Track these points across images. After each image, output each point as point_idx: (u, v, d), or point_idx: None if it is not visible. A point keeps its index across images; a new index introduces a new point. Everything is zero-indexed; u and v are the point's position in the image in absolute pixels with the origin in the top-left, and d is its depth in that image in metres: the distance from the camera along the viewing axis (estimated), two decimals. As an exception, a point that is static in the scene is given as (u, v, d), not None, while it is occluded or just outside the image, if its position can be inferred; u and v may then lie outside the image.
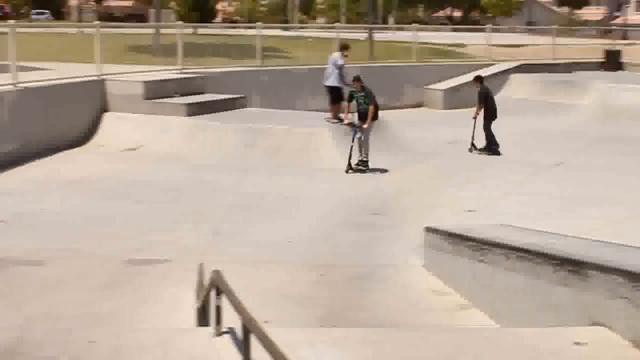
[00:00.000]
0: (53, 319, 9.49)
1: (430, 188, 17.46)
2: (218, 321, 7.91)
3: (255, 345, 6.57)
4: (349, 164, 18.76)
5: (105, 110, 22.17)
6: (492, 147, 22.15)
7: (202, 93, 24.00)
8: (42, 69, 22.84)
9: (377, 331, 8.80)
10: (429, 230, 11.69)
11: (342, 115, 21.77)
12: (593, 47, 39.78)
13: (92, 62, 23.10)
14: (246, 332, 6.65)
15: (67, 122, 21.02)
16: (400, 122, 24.02)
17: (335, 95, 21.91)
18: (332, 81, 21.90)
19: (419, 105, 30.71)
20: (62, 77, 21.88)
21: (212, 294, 8.01)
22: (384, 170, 19.25)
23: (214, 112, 22.56)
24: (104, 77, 22.65)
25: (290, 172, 18.62)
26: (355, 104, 19.56)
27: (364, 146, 19.18)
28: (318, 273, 11.74)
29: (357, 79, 19.33)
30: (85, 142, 21.24)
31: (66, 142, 20.67)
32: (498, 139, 21.92)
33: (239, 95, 24.14)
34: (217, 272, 7.90)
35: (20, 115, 19.40)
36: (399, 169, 19.21)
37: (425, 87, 31.42)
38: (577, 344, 7.84)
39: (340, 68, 21.69)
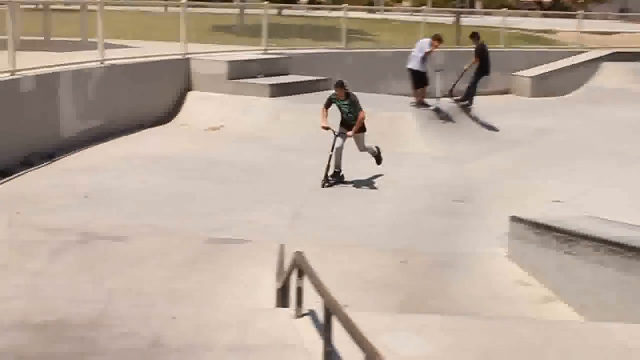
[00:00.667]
0: (135, 294, 9.64)
1: (516, 177, 17.31)
2: (299, 303, 7.97)
3: (335, 328, 6.64)
4: (326, 177, 16.44)
5: (189, 89, 22.36)
6: (468, 98, 23.53)
7: (286, 74, 24.03)
8: (128, 47, 23.10)
9: (458, 319, 8.79)
10: (514, 219, 11.60)
11: (427, 100, 21.74)
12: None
13: (177, 41, 23.28)
14: (328, 314, 6.68)
15: (152, 99, 21.26)
16: (486, 109, 23.82)
17: (417, 79, 21.86)
18: (415, 64, 21.88)
19: (505, 92, 30.35)
20: (148, 55, 22.11)
21: (294, 275, 8.06)
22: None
23: (297, 93, 22.57)
24: (189, 56, 22.79)
25: (372, 157, 18.51)
26: (339, 111, 16.89)
27: (368, 151, 17.15)
28: (399, 259, 11.70)
29: (339, 84, 16.65)
30: (169, 120, 21.46)
31: (150, 119, 20.92)
32: (596, 134, 21.54)
33: (322, 77, 24.08)
34: (299, 254, 7.95)
35: (106, 92, 19.65)
36: (484, 157, 19.04)
37: (512, 73, 31.02)
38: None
39: (425, 54, 21.66)
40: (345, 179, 16.41)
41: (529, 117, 25.00)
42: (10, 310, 7.69)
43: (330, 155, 16.26)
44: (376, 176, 16.92)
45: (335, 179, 16.44)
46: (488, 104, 25.25)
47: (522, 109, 27.18)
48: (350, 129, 16.32)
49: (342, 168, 16.58)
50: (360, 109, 16.29)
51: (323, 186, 16.11)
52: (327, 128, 16.39)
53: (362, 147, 16.75)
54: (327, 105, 16.68)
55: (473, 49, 23.60)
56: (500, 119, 23.09)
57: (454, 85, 22.96)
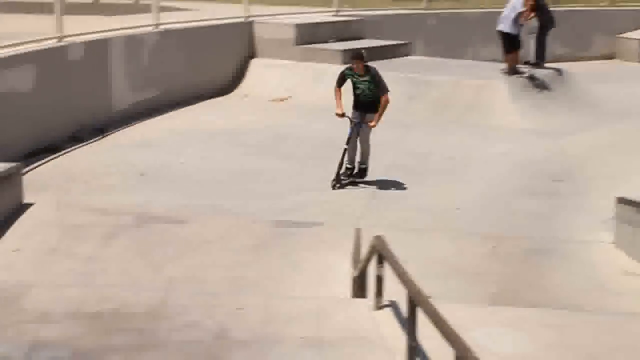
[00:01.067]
0: (197, 281, 9.73)
1: (623, 152, 16.82)
2: (379, 293, 7.97)
3: (420, 322, 6.63)
4: (338, 176, 14.54)
5: (253, 56, 22.46)
6: (540, 59, 22.46)
7: (360, 39, 23.94)
8: (185, 9, 23.24)
9: (559, 313, 8.72)
10: (621, 201, 11.43)
11: (520, 67, 21.48)
12: None
13: (239, 2, 23.36)
14: (412, 306, 6.66)
15: (211, 68, 21.40)
16: (588, 76, 23.50)
17: (509, 43, 21.49)
18: (506, 26, 21.39)
19: (610, 56, 29.90)
20: (207, 18, 22.21)
21: (373, 262, 8.06)
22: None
23: (373, 60, 22.44)
24: (252, 19, 22.93)
25: (459, 130, 18.53)
26: (352, 89, 14.88)
27: (363, 149, 14.85)
28: (489, 245, 11.58)
29: (358, 55, 14.64)
30: (230, 90, 21.60)
31: (210, 90, 21.10)
32: None
33: (401, 42, 24.07)
34: (379, 238, 7.92)
35: (161, 59, 19.83)
36: (586, 130, 18.72)
37: (618, 35, 30.56)
38: None
39: (517, 15, 21.35)
40: (365, 178, 14.79)
41: (637, 85, 24.56)
42: (63, 299, 7.82)
43: (345, 149, 14.57)
44: (462, 152, 16.82)
45: (348, 178, 14.74)
46: (590, 70, 24.97)
47: (629, 76, 26.61)
48: (367, 113, 14.59)
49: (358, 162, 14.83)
50: (385, 89, 14.54)
51: (334, 187, 14.42)
52: (342, 115, 14.77)
53: (364, 140, 14.73)
54: (341, 82, 14.94)
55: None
56: (604, 87, 22.74)
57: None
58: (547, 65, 22.21)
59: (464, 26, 26.93)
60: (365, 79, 14.38)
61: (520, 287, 10.23)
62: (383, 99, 14.27)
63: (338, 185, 14.43)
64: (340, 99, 14.68)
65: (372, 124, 14.36)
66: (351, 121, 14.54)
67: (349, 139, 14.47)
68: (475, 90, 20.54)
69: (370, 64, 22.45)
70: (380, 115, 14.31)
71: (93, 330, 7.12)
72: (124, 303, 7.83)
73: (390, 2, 27.91)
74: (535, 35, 22.36)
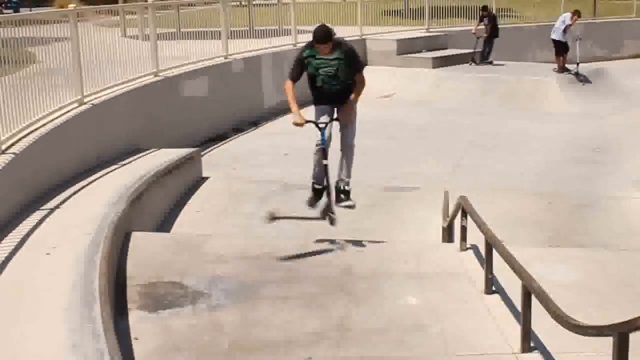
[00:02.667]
0: (327, 232, 9.77)
1: (648, 130, 16.60)
2: (463, 238, 7.95)
3: (495, 261, 6.58)
4: (316, 193, 8.60)
5: (366, 64, 22.36)
6: (487, 59, 22.66)
7: (445, 48, 23.71)
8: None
9: (599, 252, 8.60)
10: (651, 166, 11.23)
11: (568, 66, 21.25)
12: None
13: (354, 24, 23.36)
14: (489, 248, 6.65)
15: (335, 73, 21.40)
16: (620, 71, 22.93)
17: (559, 48, 21.57)
18: (557, 35, 21.63)
19: (637, 56, 29.08)
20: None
21: (458, 215, 8.04)
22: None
23: (455, 64, 22.42)
24: (364, 36, 22.84)
25: (521, 115, 18.27)
26: (311, 81, 8.53)
27: (347, 158, 8.54)
28: (545, 201, 11.47)
29: (322, 33, 7.85)
30: (350, 89, 21.57)
31: (335, 89, 21.07)
32: None
33: (475, 50, 23.73)
34: (463, 197, 7.94)
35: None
36: (620, 113, 18.34)
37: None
38: None
39: (566, 27, 21.30)
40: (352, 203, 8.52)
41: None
42: (232, 246, 7.97)
43: (319, 162, 8.37)
44: (524, 131, 16.62)
45: (343, 199, 8.43)
46: (622, 67, 24.34)
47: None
48: (339, 107, 8.39)
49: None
50: (362, 65, 8.74)
51: (323, 218, 8.51)
52: (304, 123, 8.35)
53: (348, 145, 8.45)
54: (296, 74, 8.48)
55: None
56: (633, 80, 22.03)
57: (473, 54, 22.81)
58: (583, 64, 21.84)
59: (524, 36, 26.46)
60: (332, 58, 8.06)
61: (570, 233, 10.10)
62: (359, 78, 8.41)
63: (331, 215, 8.41)
64: (294, 99, 8.41)
65: (341, 116, 8.32)
66: (318, 126, 8.33)
67: (323, 150, 8.21)
68: (533, 85, 20.33)
69: (450, 68, 22.50)
70: (357, 95, 8.46)
71: (254, 268, 7.25)
72: (276, 248, 7.94)
73: (467, 20, 27.44)
74: (578, 41, 21.96)
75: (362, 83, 8.46)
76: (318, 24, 7.94)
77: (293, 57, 19.78)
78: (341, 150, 8.39)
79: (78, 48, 10.52)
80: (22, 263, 6.10)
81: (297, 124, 8.22)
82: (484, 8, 23.76)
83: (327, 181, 8.33)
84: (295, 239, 8.68)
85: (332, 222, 8.34)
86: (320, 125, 8.24)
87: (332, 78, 8.14)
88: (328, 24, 8.00)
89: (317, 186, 8.46)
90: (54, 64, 10.40)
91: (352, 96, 8.37)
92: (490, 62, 22.48)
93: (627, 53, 28.77)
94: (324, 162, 8.20)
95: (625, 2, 32.82)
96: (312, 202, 8.61)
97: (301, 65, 8.21)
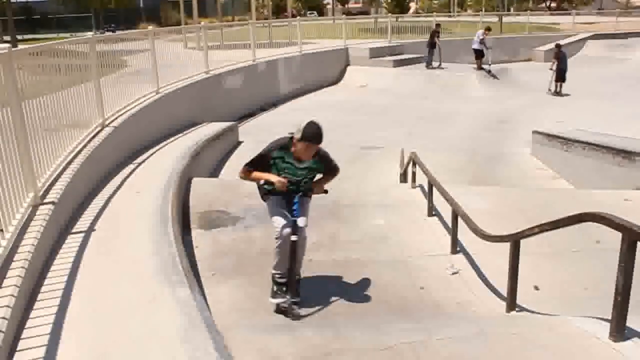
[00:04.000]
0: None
1: (536, 108, 16.49)
2: (413, 180, 7.97)
3: (434, 194, 6.58)
4: (283, 289, 4.61)
5: (348, 65, 22.15)
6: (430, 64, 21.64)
7: (402, 54, 23.40)
8: (312, 43, 23.04)
9: (502, 189, 8.63)
10: (535, 132, 11.14)
11: (484, 66, 21.07)
12: (641, 22, 36.09)
13: (340, 38, 23.10)
14: (430, 186, 6.67)
15: (327, 72, 21.17)
16: (517, 70, 22.80)
17: (478, 54, 21.44)
18: (476, 45, 21.54)
19: (529, 60, 28.89)
20: (324, 47, 22.03)
21: (410, 165, 8.04)
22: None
23: (408, 65, 22.20)
24: (347, 46, 22.54)
25: (452, 99, 18.14)
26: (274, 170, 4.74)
27: (300, 250, 4.68)
28: (468, 156, 11.49)
29: (313, 135, 4.60)
30: (337, 82, 21.36)
31: (327, 82, 20.87)
32: (582, 83, 20.27)
33: (422, 55, 23.50)
34: (414, 153, 7.95)
35: (302, 68, 19.72)
36: (517, 97, 18.25)
37: (533, 48, 29.53)
38: (627, 200, 7.39)
39: (481, 39, 21.11)
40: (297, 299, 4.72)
41: (542, 74, 23.73)
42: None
43: (283, 250, 4.62)
44: (454, 109, 16.53)
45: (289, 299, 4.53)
46: (518, 67, 24.17)
47: (538, 69, 25.71)
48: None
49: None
50: (332, 166, 5.08)
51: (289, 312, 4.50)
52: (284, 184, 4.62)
53: (303, 245, 4.74)
54: (256, 167, 4.79)
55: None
56: (525, 75, 22.04)
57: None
58: (493, 65, 21.65)
59: (454, 46, 26.12)
60: (305, 165, 4.84)
61: (484, 177, 10.10)
62: (333, 174, 5.18)
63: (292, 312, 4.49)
64: (262, 173, 4.79)
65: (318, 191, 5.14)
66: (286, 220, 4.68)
67: (293, 243, 4.61)
68: (461, 78, 20.16)
69: (405, 67, 22.50)
70: (327, 182, 5.22)
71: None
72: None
73: (417, 35, 27.05)
74: (490, 50, 21.76)
75: (334, 174, 5.16)
76: (310, 122, 4.69)
77: (299, 61, 19.97)
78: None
79: (155, 56, 10.43)
80: (120, 199, 6.12)
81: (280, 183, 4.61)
82: (437, 25, 23.48)
83: (291, 270, 4.70)
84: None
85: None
86: (284, 224, 4.65)
87: (291, 184, 4.80)
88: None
89: (282, 280, 4.73)
90: (139, 67, 10.33)
91: (324, 183, 5.15)
92: (434, 66, 21.97)
93: (522, 58, 28.68)
94: (281, 243, 4.67)
95: (521, 24, 32.78)
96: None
97: (265, 162, 4.78)
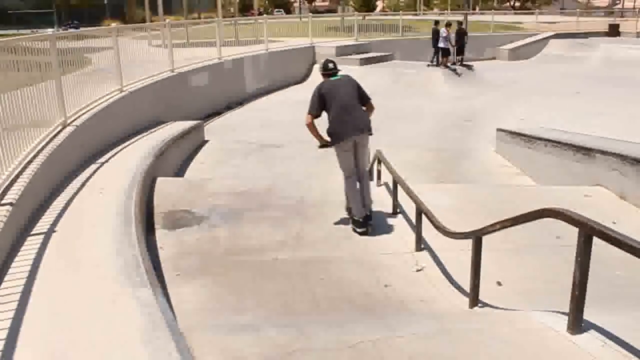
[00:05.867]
0: (289, 175, 9.78)
1: (499, 106, 16.71)
2: (379, 178, 8.00)
3: (399, 192, 6.61)
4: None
5: (314, 63, 22.17)
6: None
7: (368, 52, 23.50)
8: (280, 41, 23.00)
9: (467, 186, 8.70)
10: (498, 130, 11.25)
11: (449, 64, 21.23)
12: (601, 22, 36.95)
13: (307, 36, 23.09)
14: (395, 184, 6.70)
15: (293, 70, 21.17)
16: (482, 68, 23.06)
17: (444, 52, 21.37)
18: (441, 44, 21.54)
19: (493, 58, 29.34)
20: (291, 45, 22.00)
21: (375, 163, 8.07)
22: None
23: (375, 63, 22.29)
24: (314, 44, 22.57)
25: (418, 97, 18.26)
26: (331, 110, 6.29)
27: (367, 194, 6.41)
28: (434, 153, 11.57)
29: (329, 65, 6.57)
30: (303, 81, 21.34)
31: (293, 81, 20.84)
32: (545, 81, 20.77)
33: (388, 53, 23.67)
34: (379, 151, 7.98)
35: (269, 66, 19.67)
36: (482, 95, 18.50)
37: (497, 47, 29.99)
38: (586, 196, 7.54)
39: (445, 37, 21.25)
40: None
41: (506, 72, 24.17)
42: (225, 186, 7.91)
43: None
44: (420, 107, 16.66)
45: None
46: (483, 66, 24.47)
47: (502, 67, 26.16)
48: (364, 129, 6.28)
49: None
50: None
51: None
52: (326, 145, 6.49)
53: (366, 162, 6.70)
54: (320, 106, 6.38)
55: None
56: (490, 73, 22.34)
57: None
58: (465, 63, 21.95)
59: (419, 45, 26.30)
60: (343, 77, 6.72)
61: (449, 174, 10.17)
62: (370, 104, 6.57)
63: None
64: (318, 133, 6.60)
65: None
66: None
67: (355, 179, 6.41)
68: (427, 76, 20.32)
69: (372, 65, 22.37)
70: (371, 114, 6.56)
71: (239, 200, 7.22)
72: (254, 186, 7.90)
73: (383, 33, 27.24)
74: (454, 48, 22.02)
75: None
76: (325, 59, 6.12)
77: (265, 59, 19.93)
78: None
79: (118, 54, 10.26)
80: (82, 199, 6.01)
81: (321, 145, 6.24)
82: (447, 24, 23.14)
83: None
84: (266, 180, 8.63)
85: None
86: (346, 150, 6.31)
87: (347, 98, 6.32)
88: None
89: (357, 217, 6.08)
90: (102, 65, 10.17)
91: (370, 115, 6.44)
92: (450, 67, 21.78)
93: (487, 56, 29.09)
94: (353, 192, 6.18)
95: (486, 23, 33.24)
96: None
97: (321, 97, 6.40)
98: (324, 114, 6.42)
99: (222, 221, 6.46)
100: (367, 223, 6.25)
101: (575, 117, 14.32)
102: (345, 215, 6.74)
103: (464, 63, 21.75)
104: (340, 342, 3.44)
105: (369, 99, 6.60)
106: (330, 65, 6.66)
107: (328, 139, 6.39)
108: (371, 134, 6.41)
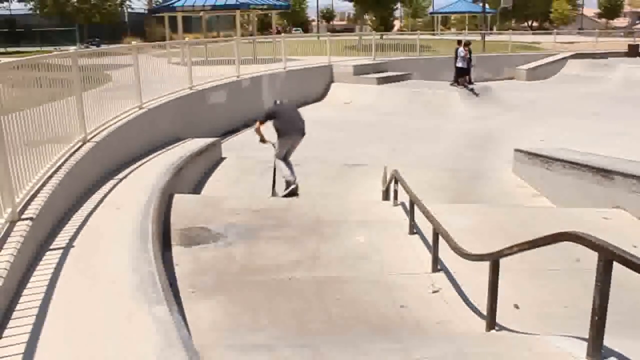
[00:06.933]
0: (306, 194, 9.75)
1: (517, 127, 16.64)
2: (395, 198, 7.98)
3: (416, 212, 6.60)
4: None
5: (332, 82, 22.29)
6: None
7: (386, 71, 23.60)
8: (298, 60, 23.15)
9: (484, 206, 8.65)
10: (516, 150, 11.22)
11: (466, 84, 21.18)
12: (620, 43, 36.74)
13: (324, 55, 23.25)
14: (412, 204, 6.68)
15: (312, 88, 21.26)
16: (500, 88, 23.05)
17: (462, 71, 21.38)
18: (460, 64, 21.47)
19: (511, 78, 29.28)
20: (309, 64, 22.13)
21: (392, 183, 8.06)
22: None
23: (392, 82, 22.33)
24: (331, 63, 22.68)
25: (435, 116, 18.24)
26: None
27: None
28: (451, 173, 11.54)
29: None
30: (322, 99, 21.46)
31: (311, 99, 20.91)
32: (563, 101, 20.66)
33: (406, 73, 23.73)
34: (396, 170, 7.95)
35: (287, 85, 19.75)
36: (499, 115, 18.46)
37: (515, 67, 29.92)
38: (605, 218, 7.46)
39: (463, 56, 21.26)
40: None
41: (524, 92, 24.06)
42: (241, 203, 7.94)
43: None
44: (437, 127, 16.64)
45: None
46: (501, 85, 24.45)
47: (520, 88, 26.07)
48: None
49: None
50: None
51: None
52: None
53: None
54: (267, 119, 9.98)
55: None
56: (508, 93, 22.29)
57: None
58: (476, 82, 21.94)
59: (437, 64, 26.43)
60: None
61: (466, 194, 10.14)
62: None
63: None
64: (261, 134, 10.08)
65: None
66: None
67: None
68: (444, 96, 20.28)
69: (389, 85, 22.34)
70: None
71: (256, 218, 7.23)
72: (270, 205, 7.94)
73: (400, 52, 27.36)
74: (473, 68, 22.01)
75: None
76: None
77: (283, 77, 19.99)
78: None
79: (138, 71, 10.40)
80: (100, 215, 6.07)
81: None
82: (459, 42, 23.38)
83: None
84: (283, 199, 8.65)
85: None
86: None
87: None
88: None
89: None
90: (123, 82, 10.30)
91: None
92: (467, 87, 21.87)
93: (504, 76, 29.06)
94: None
95: (504, 42, 33.21)
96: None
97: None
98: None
99: (238, 239, 6.47)
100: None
101: (595, 138, 14.21)
102: (361, 237, 6.75)
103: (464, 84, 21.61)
104: (355, 364, 3.42)
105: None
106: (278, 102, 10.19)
107: (266, 139, 9.91)
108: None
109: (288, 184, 9.57)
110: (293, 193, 9.40)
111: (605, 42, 36.18)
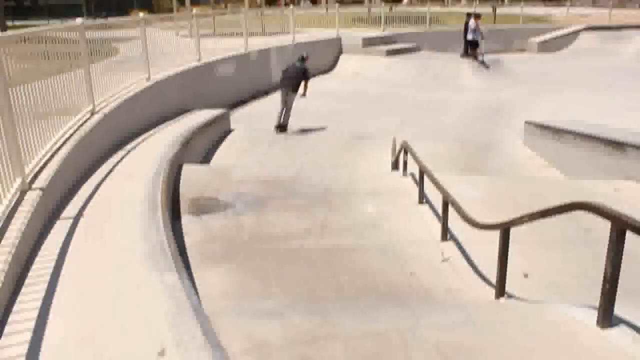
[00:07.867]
0: (314, 164, 9.77)
1: (528, 99, 16.42)
2: (405, 168, 7.96)
3: (425, 182, 6.57)
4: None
5: (341, 53, 22.09)
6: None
7: (395, 43, 23.30)
8: (305, 32, 22.92)
9: (493, 177, 8.63)
10: (527, 122, 11.13)
11: (479, 56, 20.88)
12: (636, 15, 36.06)
13: (333, 27, 23.01)
14: (421, 174, 6.66)
15: (321, 60, 21.05)
16: (511, 61, 22.71)
17: (473, 44, 21.01)
18: (470, 36, 20.97)
19: (522, 50, 28.82)
20: (317, 36, 21.93)
21: (402, 153, 8.03)
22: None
23: (401, 54, 22.09)
24: (340, 35, 22.46)
25: (445, 88, 18.03)
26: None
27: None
28: (461, 145, 11.47)
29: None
30: (330, 71, 21.29)
31: (321, 71, 20.74)
32: (575, 74, 20.44)
33: (415, 45, 23.47)
34: (405, 141, 7.92)
35: (295, 57, 19.43)
36: (510, 87, 18.22)
37: (526, 39, 29.51)
38: (617, 190, 7.40)
39: (473, 29, 20.86)
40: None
41: (536, 65, 23.72)
42: (250, 173, 7.96)
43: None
44: (447, 99, 16.50)
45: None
46: (512, 58, 24.10)
47: (532, 60, 25.67)
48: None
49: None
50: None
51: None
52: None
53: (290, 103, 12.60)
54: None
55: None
56: (519, 66, 21.95)
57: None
58: (487, 55, 21.56)
59: (447, 37, 26.06)
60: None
61: (475, 165, 10.07)
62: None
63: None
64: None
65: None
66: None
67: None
68: (454, 68, 20.03)
69: (398, 57, 22.04)
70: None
71: (264, 188, 7.24)
72: (279, 175, 7.92)
73: (410, 25, 27.00)
74: (484, 40, 21.65)
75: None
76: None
77: (291, 50, 19.78)
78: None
79: (146, 43, 10.34)
80: (110, 185, 6.08)
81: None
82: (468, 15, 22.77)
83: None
84: (291, 169, 8.63)
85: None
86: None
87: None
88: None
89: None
90: (130, 54, 10.25)
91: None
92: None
93: (515, 48, 28.63)
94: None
95: (515, 14, 32.72)
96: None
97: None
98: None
99: (248, 208, 6.48)
100: (281, 129, 12.08)
101: (607, 111, 14.04)
102: (371, 206, 6.75)
103: (474, 57, 21.26)
104: (365, 330, 3.42)
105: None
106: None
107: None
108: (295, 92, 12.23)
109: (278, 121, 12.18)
110: (279, 128, 12.13)
111: (619, 15, 35.51)
